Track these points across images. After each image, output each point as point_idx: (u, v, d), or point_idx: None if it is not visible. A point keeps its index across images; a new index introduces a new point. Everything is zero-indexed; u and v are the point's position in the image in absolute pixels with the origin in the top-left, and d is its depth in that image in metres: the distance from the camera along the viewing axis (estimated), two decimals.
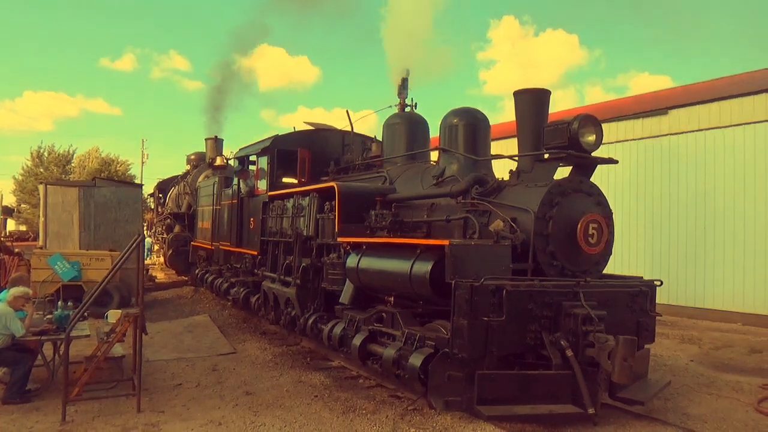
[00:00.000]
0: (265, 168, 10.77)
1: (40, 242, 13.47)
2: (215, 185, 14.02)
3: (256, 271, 11.09)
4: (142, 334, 6.28)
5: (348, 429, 5.58)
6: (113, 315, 6.91)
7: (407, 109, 9.52)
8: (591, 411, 5.21)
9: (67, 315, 6.79)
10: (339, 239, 7.69)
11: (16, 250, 13.23)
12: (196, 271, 15.69)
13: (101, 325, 7.10)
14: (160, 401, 6.38)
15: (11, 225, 41.14)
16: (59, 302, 7.28)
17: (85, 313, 6.53)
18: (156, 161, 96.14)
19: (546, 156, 6.47)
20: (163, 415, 5.88)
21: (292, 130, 11.49)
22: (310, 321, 8.43)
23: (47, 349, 7.06)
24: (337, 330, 7.61)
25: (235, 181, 12.46)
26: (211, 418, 5.80)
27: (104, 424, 5.56)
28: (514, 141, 7.21)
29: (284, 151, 10.68)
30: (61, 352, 6.69)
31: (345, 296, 7.66)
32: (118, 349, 7.08)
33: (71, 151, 42.93)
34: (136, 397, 6.02)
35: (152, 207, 25.21)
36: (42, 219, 13.53)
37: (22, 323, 6.37)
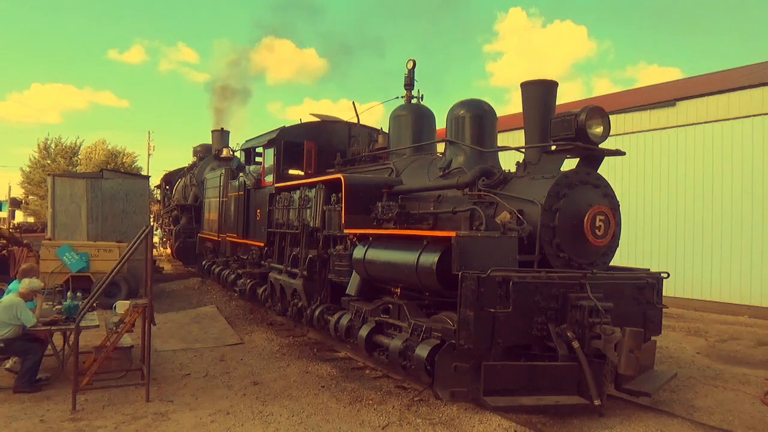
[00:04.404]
0: (272, 160, 10.79)
1: (49, 233, 13.56)
2: (222, 177, 14.07)
3: (262, 262, 11.15)
4: (151, 324, 6.33)
5: (355, 419, 5.62)
6: (121, 306, 6.97)
7: (414, 101, 9.50)
8: (597, 402, 5.22)
9: (76, 305, 6.85)
10: (346, 231, 7.71)
11: (25, 241, 13.35)
12: (203, 263, 15.78)
13: (110, 316, 7.16)
14: (169, 391, 6.44)
15: (19, 216, 41.47)
16: (68, 293, 7.33)
17: (94, 304, 6.59)
18: (162, 153, 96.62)
19: (553, 148, 6.44)
20: (172, 405, 5.94)
21: (299, 122, 11.50)
22: (317, 312, 8.47)
23: (57, 339, 7.13)
24: (344, 321, 7.64)
25: (241, 173, 12.55)
26: (219, 408, 5.86)
27: (114, 413, 5.62)
28: (521, 133, 7.19)
29: (291, 143, 10.70)
30: (70, 342, 6.76)
31: (351, 288, 7.69)
32: (126, 340, 7.15)
33: (78, 143, 43.07)
34: (145, 387, 6.08)
35: (159, 199, 25.30)
36: (50, 210, 13.60)
37: (32, 313, 6.43)
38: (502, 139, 8.95)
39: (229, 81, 23.88)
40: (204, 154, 18.85)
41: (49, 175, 15.68)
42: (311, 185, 9.10)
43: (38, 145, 42.17)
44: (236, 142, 16.51)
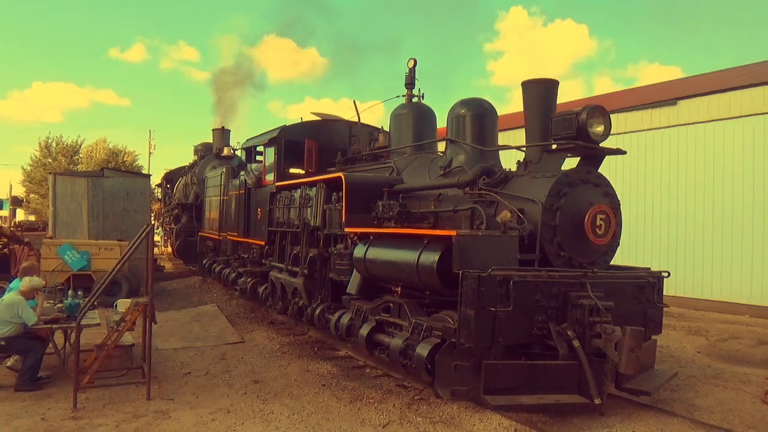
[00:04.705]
0: (273, 158, 10.80)
1: (50, 232, 13.57)
2: (223, 176, 14.07)
3: (263, 261, 11.16)
4: (152, 323, 6.34)
5: (355, 417, 5.63)
6: (122, 304, 6.97)
7: (414, 100, 9.49)
8: (597, 401, 5.22)
9: (77, 304, 6.86)
10: (346, 229, 7.72)
11: (26, 239, 13.35)
12: (204, 261, 15.78)
13: (111, 314, 7.17)
14: (170, 389, 6.45)
15: (20, 215, 41.50)
16: (69, 291, 7.34)
17: (95, 302, 6.59)
18: (163, 151, 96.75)
19: (554, 147, 6.44)
20: (173, 403, 5.95)
21: (300, 121, 11.50)
22: (318, 311, 8.47)
23: (58, 338, 7.14)
24: (345, 320, 7.65)
25: (242, 172, 12.56)
26: (220, 406, 5.87)
27: (115, 411, 5.63)
28: (522, 131, 7.19)
29: (291, 142, 10.71)
30: (71, 341, 6.77)
31: (352, 286, 7.69)
32: (127, 338, 7.15)
33: (79, 142, 43.13)
34: (146, 385, 6.09)
35: (160, 197, 25.32)
36: (51, 209, 13.62)
37: (33, 311, 6.44)
38: (502, 138, 8.96)
39: (234, 70, 23.93)
40: (205, 152, 18.85)
41: (50, 173, 15.70)
42: (312, 184, 9.10)
43: (39, 143, 42.30)
44: (237, 140, 16.55)
